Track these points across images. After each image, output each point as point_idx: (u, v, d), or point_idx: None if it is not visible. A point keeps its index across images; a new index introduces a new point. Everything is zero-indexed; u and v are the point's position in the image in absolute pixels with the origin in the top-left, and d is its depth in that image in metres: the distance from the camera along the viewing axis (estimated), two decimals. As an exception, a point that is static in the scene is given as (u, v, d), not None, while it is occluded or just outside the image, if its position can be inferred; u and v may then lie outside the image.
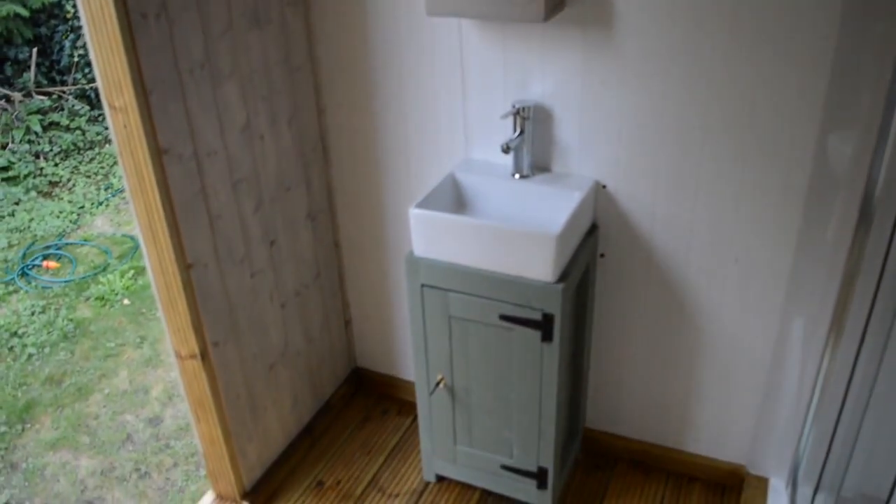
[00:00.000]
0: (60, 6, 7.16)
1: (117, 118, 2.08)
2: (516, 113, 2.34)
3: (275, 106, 2.52)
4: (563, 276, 2.16)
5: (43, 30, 7.25)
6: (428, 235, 2.25)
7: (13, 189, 5.93)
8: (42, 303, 4.53)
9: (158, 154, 2.09)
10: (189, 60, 2.15)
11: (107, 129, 6.04)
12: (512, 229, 2.13)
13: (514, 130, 2.36)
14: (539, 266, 2.11)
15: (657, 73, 2.16)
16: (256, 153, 2.46)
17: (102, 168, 6.35)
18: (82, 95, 7.12)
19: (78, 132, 6.74)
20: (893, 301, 1.79)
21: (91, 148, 6.65)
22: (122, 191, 5.93)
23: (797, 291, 2.27)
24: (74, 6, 6.87)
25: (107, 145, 6.66)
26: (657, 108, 2.21)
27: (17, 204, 5.78)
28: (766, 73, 2.03)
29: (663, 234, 2.39)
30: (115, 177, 6.16)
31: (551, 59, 2.29)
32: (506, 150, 2.27)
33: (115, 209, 5.73)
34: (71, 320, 4.37)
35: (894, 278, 1.78)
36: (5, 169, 6.14)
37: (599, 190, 2.41)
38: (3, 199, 5.79)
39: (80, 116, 6.91)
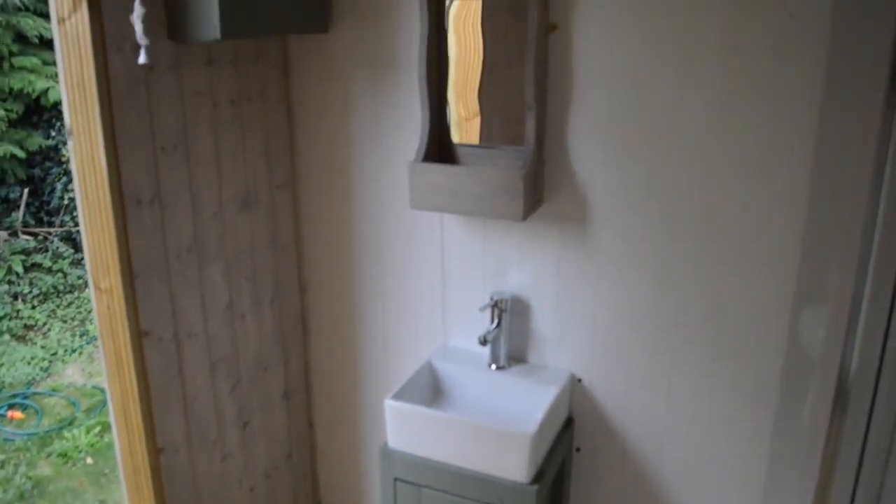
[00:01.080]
0: (56, 149, 7.35)
1: (101, 299, 2.11)
2: (494, 305, 2.40)
3: (258, 285, 2.56)
4: (538, 476, 2.15)
5: (37, 171, 7.41)
6: (403, 428, 2.24)
7: (-13, 330, 5.89)
8: (2, 457, 4.40)
9: (139, 337, 2.11)
10: (177, 244, 2.21)
11: (89, 273, 6.06)
12: (486, 426, 2.13)
13: (492, 322, 2.41)
14: (513, 466, 2.10)
15: (631, 269, 2.24)
16: (237, 333, 2.49)
17: (80, 313, 6.33)
18: (68, 238, 7.19)
19: (59, 275, 6.76)
20: (875, 488, 1.79)
21: (71, 291, 6.66)
22: (96, 338, 5.89)
23: (775, 486, 2.27)
24: (69, 151, 7.04)
25: (87, 290, 6.67)
26: (631, 303, 2.27)
27: (-12, 346, 5.72)
28: (735, 268, 2.12)
29: (639, 429, 2.40)
30: (90, 323, 6.13)
31: (529, 252, 2.37)
32: (483, 342, 2.31)
33: (89, 357, 5.67)
34: (30, 478, 4.23)
35: (874, 462, 1.78)
36: (-19, 309, 6.12)
37: (575, 383, 2.43)
38: (-26, 341, 5.74)
39: (64, 259, 6.95)
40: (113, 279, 2.08)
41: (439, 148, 2.35)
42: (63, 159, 7.36)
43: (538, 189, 2.26)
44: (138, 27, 1.88)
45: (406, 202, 2.36)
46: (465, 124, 2.37)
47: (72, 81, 1.92)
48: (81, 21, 1.85)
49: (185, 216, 2.22)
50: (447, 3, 2.24)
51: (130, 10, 1.88)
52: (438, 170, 2.24)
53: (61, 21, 1.88)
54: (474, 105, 2.33)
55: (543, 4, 2.13)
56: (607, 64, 2.14)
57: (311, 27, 2.36)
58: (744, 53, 1.98)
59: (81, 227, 2.13)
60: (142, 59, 1.90)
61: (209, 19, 1.96)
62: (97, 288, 2.11)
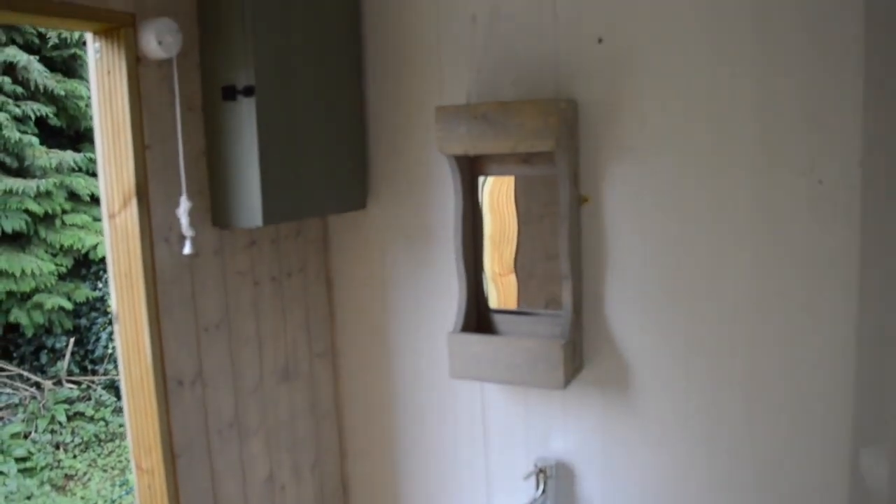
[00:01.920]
0: (102, 300, 7.48)
1: (143, 479, 2.08)
2: (539, 472, 2.31)
3: (298, 455, 2.51)
4: None
5: (83, 321, 7.52)
6: None
7: (28, 481, 5.83)
8: None
9: (179, 519, 2.06)
10: (219, 421, 2.18)
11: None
12: None
13: (537, 489, 2.32)
14: None
15: (677, 432, 2.17)
16: (277, 506, 2.42)
17: (120, 461, 6.28)
18: (111, 386, 7.22)
19: (101, 423, 6.75)
20: None
21: (112, 440, 6.62)
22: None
23: None
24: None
25: (127, 438, 6.63)
26: (680, 466, 2.18)
27: (28, 498, 5.65)
28: (786, 422, 2.04)
29: None
30: (130, 472, 6.06)
31: (572, 417, 2.31)
32: (529, 513, 2.22)
33: (128, 510, 5.58)
34: None
35: None
36: (24, 459, 6.08)
37: (626, 555, 2.31)
38: (15, 493, 5.67)
39: (106, 407, 6.96)
40: (154, 460, 2.05)
41: (477, 316, 2.34)
42: (108, 309, 7.48)
43: (578, 355, 2.22)
44: (184, 220, 1.92)
45: (445, 370, 2.33)
46: (500, 280, 2.36)
47: (119, 271, 1.96)
48: (131, 216, 1.91)
49: (226, 393, 2.21)
50: (481, 180, 2.28)
51: (177, 205, 1.93)
52: (477, 340, 2.22)
53: (112, 216, 1.94)
54: (509, 262, 2.33)
55: (574, 178, 2.16)
56: (639, 232, 2.15)
57: (350, 206, 2.41)
58: (777, 223, 1.98)
59: (125, 409, 2.12)
60: (187, 249, 1.94)
61: (251, 208, 2.00)
62: (139, 468, 2.08)
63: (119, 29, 1.85)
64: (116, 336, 2.03)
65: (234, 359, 2.22)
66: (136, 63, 1.88)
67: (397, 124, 2.44)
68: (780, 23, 1.92)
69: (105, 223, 1.95)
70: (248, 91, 1.97)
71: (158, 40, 1.86)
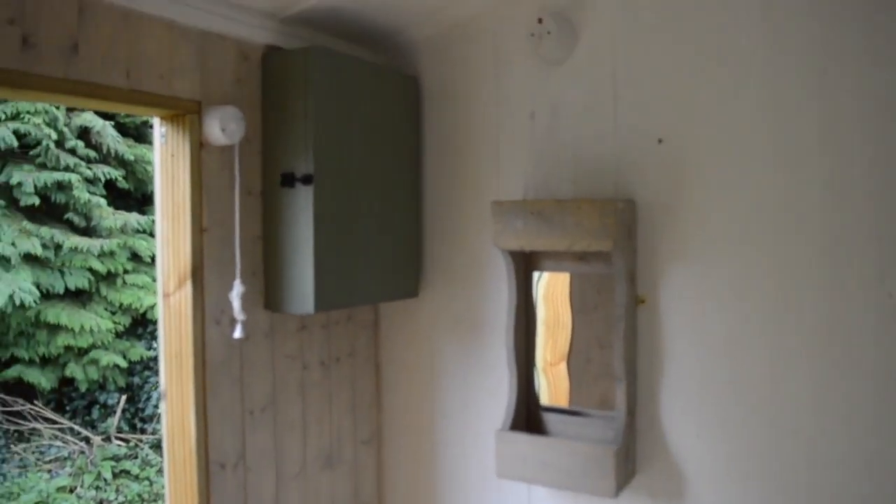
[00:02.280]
0: (156, 360, 7.53)
1: (178, 562, 2.03)
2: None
3: (336, 544, 2.43)
4: None
5: (136, 378, 7.57)
6: None
7: (70, 538, 5.80)
8: None
9: None
10: (258, 507, 2.13)
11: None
12: None
13: None
14: None
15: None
16: None
17: (162, 524, 6.21)
18: (157, 445, 7.21)
19: (146, 482, 6.71)
20: None
21: (155, 500, 6.58)
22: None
23: None
24: (168, 361, 7.22)
25: (170, 499, 6.58)
26: None
27: (70, 557, 5.60)
28: None
29: None
30: (171, 536, 5.99)
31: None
32: None
33: (165, 576, 5.49)
34: None
35: None
36: (68, 515, 6.07)
37: None
38: (57, 550, 5.64)
39: (152, 467, 6.93)
40: (192, 543, 2.00)
41: (527, 413, 2.26)
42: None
43: (631, 461, 2.12)
44: (236, 304, 1.91)
45: (492, 469, 2.24)
46: (551, 371, 2.29)
47: (170, 350, 1.94)
48: (185, 297, 1.90)
49: (268, 478, 2.16)
50: (536, 276, 2.23)
51: (230, 288, 1.92)
52: (526, 440, 2.13)
53: (166, 295, 1.93)
54: (563, 349, 2.26)
55: (631, 278, 2.10)
56: (697, 336, 2.06)
57: (402, 294, 2.37)
58: (843, 335, 1.88)
59: (166, 488, 2.08)
60: (237, 334, 1.92)
61: (304, 294, 1.98)
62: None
63: (185, 115, 1.88)
64: (163, 413, 2.01)
65: (278, 443, 2.18)
66: (199, 148, 1.90)
67: (452, 215, 2.42)
68: (849, 131, 1.86)
69: (160, 302, 1.95)
70: (307, 179, 1.97)
71: (222, 127, 1.87)
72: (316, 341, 2.28)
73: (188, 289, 1.89)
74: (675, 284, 2.09)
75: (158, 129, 1.93)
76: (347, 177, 2.10)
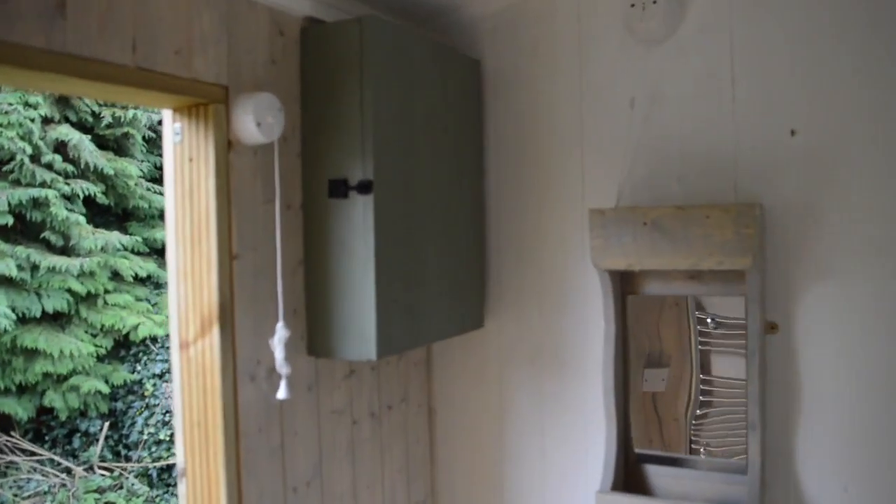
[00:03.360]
0: (140, 383, 6.94)
1: None
2: None
3: None
4: None
5: (119, 404, 6.97)
6: None
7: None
8: None
9: None
10: None
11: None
12: None
13: None
14: None
15: None
16: None
17: (151, 562, 5.63)
18: (143, 474, 6.61)
19: (133, 515, 6.12)
20: None
21: (143, 534, 5.99)
22: None
23: None
24: (154, 384, 6.66)
25: (159, 532, 6.00)
26: None
27: None
28: None
29: None
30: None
31: None
32: None
33: None
34: None
35: None
36: (49, 555, 5.46)
37: None
38: None
39: (138, 497, 6.33)
40: None
41: (625, 467, 1.77)
42: (146, 393, 6.94)
43: (762, 527, 1.65)
44: (279, 354, 1.40)
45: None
46: (643, 409, 1.81)
47: (191, 418, 1.42)
48: (210, 347, 1.38)
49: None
50: (630, 298, 1.76)
51: (270, 333, 1.41)
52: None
53: (184, 346, 1.42)
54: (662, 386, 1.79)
55: (762, 300, 1.62)
56: (842, 369, 1.64)
57: (468, 325, 1.88)
58: None
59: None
60: (282, 393, 1.41)
61: (363, 337, 1.48)
62: None
63: (208, 105, 1.37)
64: (181, 498, 1.48)
65: (324, 522, 1.67)
66: (228, 149, 1.39)
67: (524, 227, 1.94)
68: None
69: (174, 355, 1.43)
70: (365, 187, 1.47)
71: (257, 121, 1.37)
72: (365, 388, 1.78)
73: (215, 336, 1.37)
74: (814, 307, 1.65)
75: (171, 125, 1.42)
76: (412, 184, 1.60)
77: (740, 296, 1.65)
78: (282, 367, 1.40)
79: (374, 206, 1.47)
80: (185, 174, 1.40)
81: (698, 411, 1.75)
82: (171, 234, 1.44)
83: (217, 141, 1.37)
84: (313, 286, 1.55)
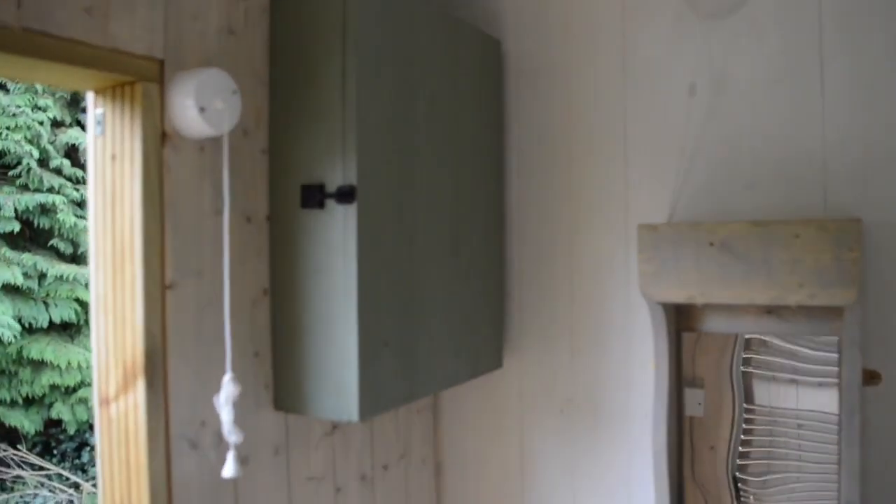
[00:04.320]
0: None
1: None
2: None
3: None
4: None
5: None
6: None
7: None
8: None
9: None
10: None
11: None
12: None
13: None
14: None
15: None
16: None
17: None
18: (154, 490, 6.33)
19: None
20: None
21: (150, 555, 5.69)
22: None
23: None
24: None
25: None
26: None
27: None
28: None
29: None
30: None
31: None
32: None
33: None
34: None
35: None
36: (52, 576, 5.16)
37: None
38: None
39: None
40: None
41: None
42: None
43: None
44: (226, 414, 1.03)
45: None
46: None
47: (110, 495, 1.06)
48: (135, 406, 1.02)
49: None
50: (686, 336, 1.37)
51: (215, 389, 1.04)
52: None
53: (104, 403, 1.05)
54: (722, 453, 1.39)
55: (862, 343, 1.23)
56: None
57: (482, 367, 1.50)
58: None
59: None
60: (230, 471, 1.03)
61: (342, 391, 1.11)
62: None
63: (133, 85, 1.01)
64: None
65: None
66: (161, 143, 1.03)
67: (553, 248, 1.56)
68: None
69: (95, 412, 1.07)
70: (346, 195, 1.10)
71: (200, 105, 1.01)
72: (353, 446, 1.40)
73: (139, 392, 1.01)
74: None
75: (93, 110, 1.06)
76: (408, 191, 1.23)
77: (831, 336, 1.26)
78: (230, 433, 1.03)
79: (357, 218, 1.10)
80: (106, 176, 1.04)
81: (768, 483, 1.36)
82: (91, 254, 1.08)
83: (146, 132, 1.01)
84: (281, 322, 1.18)
